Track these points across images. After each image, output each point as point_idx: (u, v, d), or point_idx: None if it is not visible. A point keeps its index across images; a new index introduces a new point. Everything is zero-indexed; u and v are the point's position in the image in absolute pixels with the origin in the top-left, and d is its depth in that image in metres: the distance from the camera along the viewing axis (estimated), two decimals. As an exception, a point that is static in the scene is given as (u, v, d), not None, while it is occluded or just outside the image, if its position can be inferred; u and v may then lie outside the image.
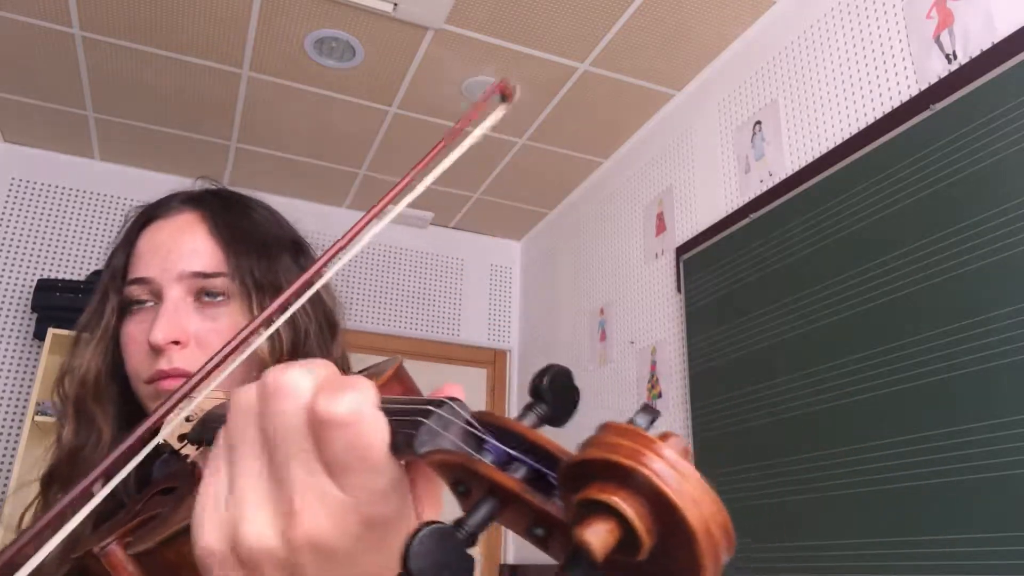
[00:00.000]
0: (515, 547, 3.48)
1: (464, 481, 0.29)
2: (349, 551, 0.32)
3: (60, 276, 3.15)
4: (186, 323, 0.70)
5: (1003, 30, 1.62)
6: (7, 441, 2.92)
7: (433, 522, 0.26)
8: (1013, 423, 1.42)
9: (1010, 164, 1.51)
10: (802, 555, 1.84)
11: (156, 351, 0.69)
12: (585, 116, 2.96)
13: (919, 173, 1.72)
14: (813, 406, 1.89)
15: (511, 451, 0.29)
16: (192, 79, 2.79)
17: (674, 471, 0.22)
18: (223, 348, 0.41)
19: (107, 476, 0.37)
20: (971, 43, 1.70)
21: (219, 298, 0.72)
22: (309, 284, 0.43)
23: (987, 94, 1.60)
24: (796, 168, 2.16)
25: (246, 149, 3.28)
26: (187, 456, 0.56)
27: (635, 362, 2.85)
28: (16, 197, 3.22)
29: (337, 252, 0.43)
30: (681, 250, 2.61)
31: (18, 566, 0.34)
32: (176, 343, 0.69)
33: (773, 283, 2.10)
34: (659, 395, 2.66)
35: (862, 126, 1.96)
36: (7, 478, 2.76)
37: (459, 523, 0.27)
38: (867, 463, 1.71)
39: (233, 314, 0.72)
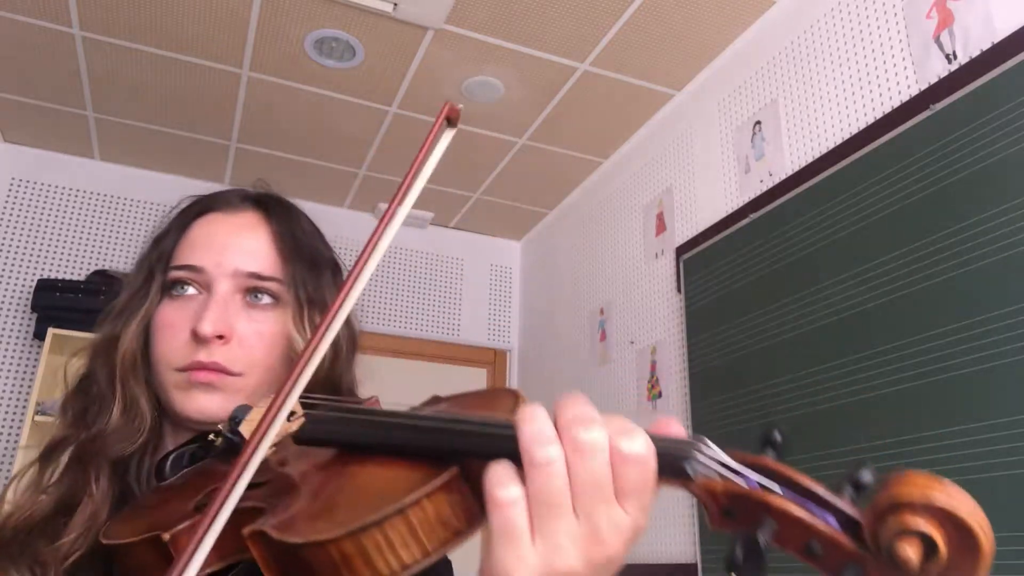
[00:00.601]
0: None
1: (735, 505, 0.36)
2: (623, 559, 0.40)
3: (60, 276, 3.15)
4: (234, 320, 0.70)
5: (1003, 30, 1.62)
6: (7, 441, 2.92)
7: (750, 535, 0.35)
8: (1013, 423, 1.42)
9: (1010, 164, 1.51)
10: (802, 555, 1.84)
11: (199, 341, 0.68)
12: (585, 116, 2.96)
13: (919, 173, 1.72)
14: (813, 406, 1.89)
15: (767, 481, 0.37)
16: (192, 79, 2.79)
17: (964, 500, 0.32)
18: (298, 362, 0.46)
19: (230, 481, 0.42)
20: (971, 43, 1.70)
21: (267, 301, 0.73)
22: (349, 302, 0.48)
23: (987, 94, 1.60)
24: (796, 168, 2.16)
25: (246, 149, 3.28)
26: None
27: (635, 362, 2.85)
28: (16, 197, 3.22)
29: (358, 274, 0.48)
30: (681, 250, 2.61)
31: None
32: (220, 337, 0.69)
33: (773, 283, 2.10)
34: (659, 395, 2.66)
35: (862, 126, 1.96)
36: (7, 478, 2.75)
37: (749, 541, 0.35)
38: (867, 463, 1.71)
39: (278, 320, 0.72)
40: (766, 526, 0.36)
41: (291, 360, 0.72)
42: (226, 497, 0.41)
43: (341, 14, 2.43)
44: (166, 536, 0.50)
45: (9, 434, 2.94)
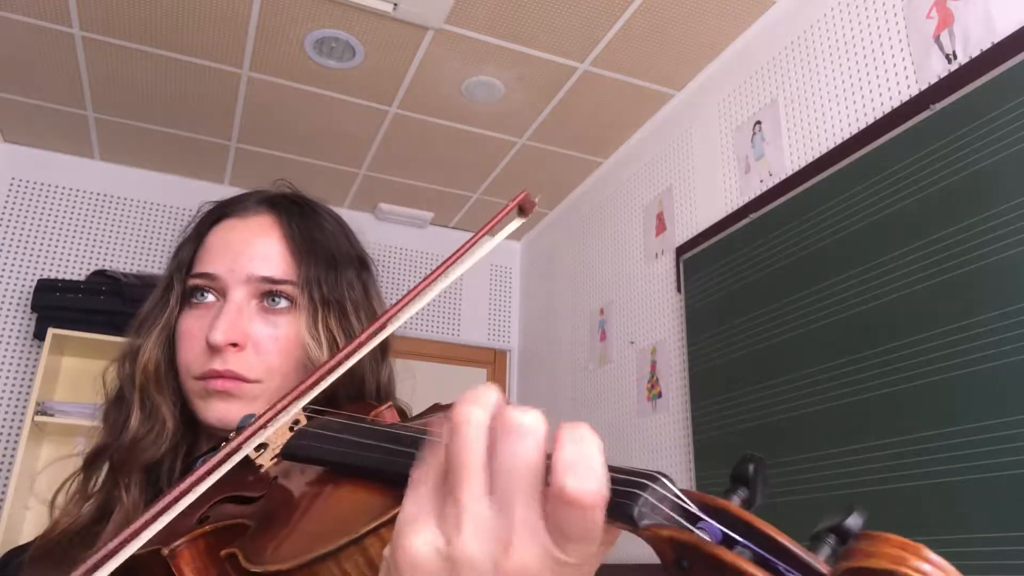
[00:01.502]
0: None
1: (687, 557, 0.31)
2: None
3: (60, 276, 3.15)
4: (247, 326, 0.70)
5: (1003, 30, 1.62)
6: (7, 441, 2.92)
7: None
8: (1013, 423, 1.42)
9: (1010, 164, 1.51)
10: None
11: (213, 350, 0.69)
12: (585, 116, 2.96)
13: (919, 173, 1.72)
14: (813, 406, 1.89)
15: (727, 531, 0.31)
16: (192, 79, 2.79)
17: (942, 572, 0.26)
18: (321, 368, 0.45)
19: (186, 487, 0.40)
20: (971, 43, 1.70)
21: (282, 304, 0.72)
22: (381, 327, 0.48)
23: (987, 94, 1.60)
24: (796, 168, 2.16)
25: (246, 149, 3.28)
26: (261, 466, 0.57)
27: (635, 362, 2.85)
28: (16, 197, 3.22)
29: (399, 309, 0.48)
30: (681, 250, 2.61)
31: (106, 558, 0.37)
32: (234, 345, 0.69)
33: (773, 283, 2.10)
34: (659, 395, 2.66)
35: (862, 126, 1.96)
36: (7, 478, 2.75)
37: None
38: (867, 463, 1.71)
39: (293, 323, 0.72)
40: None
41: (308, 364, 0.72)
42: (163, 509, 0.39)
43: (341, 14, 2.43)
44: (165, 552, 0.50)
45: (9, 434, 2.94)
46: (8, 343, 3.04)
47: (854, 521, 0.30)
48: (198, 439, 0.75)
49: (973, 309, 1.53)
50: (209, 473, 0.41)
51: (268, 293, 0.72)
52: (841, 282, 1.87)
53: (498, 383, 3.79)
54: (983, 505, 1.45)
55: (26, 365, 3.03)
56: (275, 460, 0.57)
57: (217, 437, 0.72)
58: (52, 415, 2.75)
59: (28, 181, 3.25)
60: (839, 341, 1.84)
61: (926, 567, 0.25)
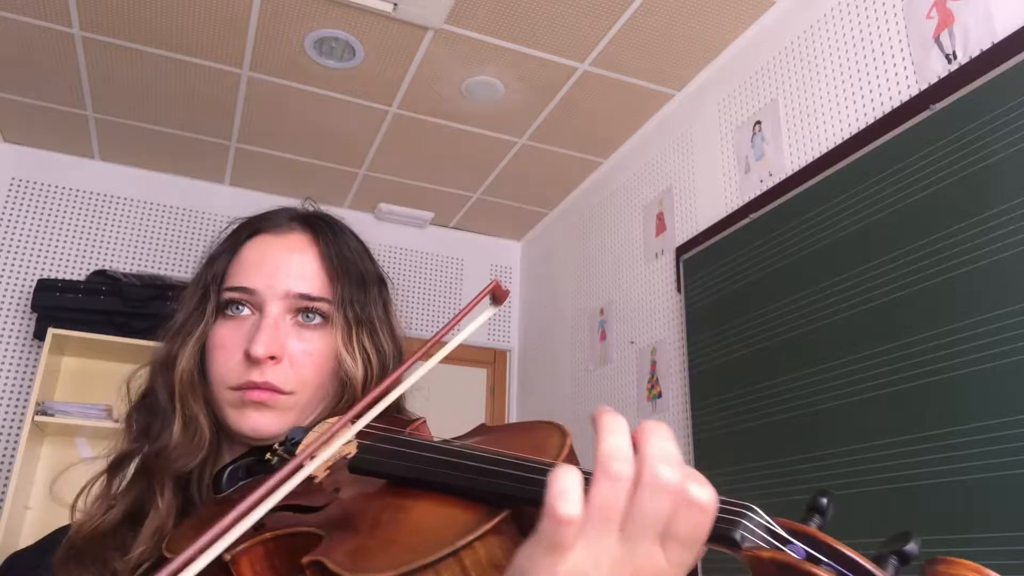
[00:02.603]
0: None
1: (785, 575, 0.36)
2: None
3: (60, 276, 3.15)
4: (285, 340, 0.73)
5: (1003, 30, 1.62)
6: (7, 441, 2.92)
7: None
8: (1014, 423, 1.42)
9: (1010, 164, 1.51)
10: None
11: (252, 362, 0.71)
12: (585, 116, 2.96)
13: (919, 173, 1.72)
14: (813, 406, 1.89)
15: (811, 551, 0.37)
16: (192, 79, 2.79)
17: None
18: (375, 392, 0.51)
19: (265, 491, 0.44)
20: (971, 43, 1.70)
21: (317, 321, 0.75)
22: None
23: (987, 94, 1.60)
24: (796, 168, 2.16)
25: (246, 149, 3.28)
26: (314, 477, 0.59)
27: (635, 362, 2.85)
28: (16, 197, 3.22)
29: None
30: (681, 250, 2.61)
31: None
32: (272, 358, 0.71)
33: (773, 283, 2.10)
34: (659, 395, 2.66)
35: (862, 126, 1.96)
36: (7, 478, 2.75)
37: None
38: (867, 463, 1.71)
39: (327, 339, 0.75)
40: None
41: (340, 378, 0.75)
42: (254, 505, 0.42)
43: (341, 14, 2.43)
44: (227, 556, 0.51)
45: (9, 434, 2.94)
46: (8, 343, 3.04)
47: (912, 547, 0.35)
48: (220, 450, 0.76)
49: (973, 308, 1.53)
50: (283, 481, 0.44)
51: (304, 309, 0.75)
52: (841, 282, 1.87)
53: (498, 383, 3.79)
54: (986, 504, 1.45)
55: (26, 365, 3.03)
56: (328, 472, 0.59)
57: (239, 447, 0.73)
58: (52, 415, 2.75)
59: (28, 181, 3.25)
60: (839, 341, 1.84)
61: None
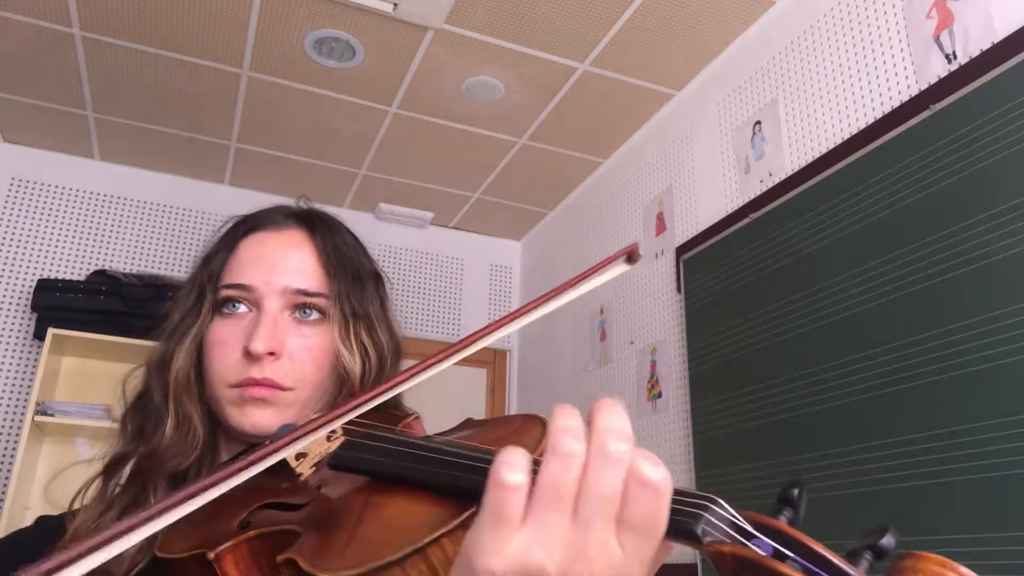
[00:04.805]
0: None
1: (747, 571, 0.34)
2: None
3: (60, 276, 3.15)
4: (283, 336, 0.73)
5: (1003, 30, 1.62)
6: (7, 441, 2.92)
7: None
8: (1014, 423, 1.42)
9: (1010, 164, 1.51)
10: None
11: (251, 358, 0.71)
12: (585, 116, 2.96)
13: (919, 173, 1.72)
14: (813, 406, 1.89)
15: (778, 546, 0.35)
16: (192, 79, 2.79)
17: None
18: (374, 390, 0.48)
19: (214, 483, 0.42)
20: (971, 43, 1.70)
21: (315, 317, 0.75)
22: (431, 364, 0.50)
23: (987, 94, 1.60)
24: (796, 168, 2.16)
25: (246, 149, 3.28)
26: (300, 475, 0.59)
27: (635, 362, 2.85)
28: (16, 197, 3.22)
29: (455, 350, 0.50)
30: (681, 250, 2.61)
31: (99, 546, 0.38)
32: (271, 354, 0.71)
33: (773, 283, 2.10)
34: (659, 395, 2.66)
35: (862, 126, 1.96)
36: (7, 478, 2.75)
37: None
38: (867, 463, 1.71)
39: (325, 334, 0.75)
40: None
41: (339, 373, 0.75)
42: (211, 485, 0.41)
43: (341, 14, 2.43)
44: (211, 555, 0.51)
45: (9, 434, 2.94)
46: (8, 343, 3.04)
47: (889, 540, 0.34)
48: (218, 448, 0.76)
49: (973, 308, 1.53)
50: (242, 470, 0.42)
51: (301, 305, 0.75)
52: (841, 282, 1.87)
53: (498, 383, 3.78)
54: (986, 504, 1.45)
55: (26, 365, 3.03)
56: (314, 469, 0.58)
57: (237, 445, 0.73)
58: (52, 415, 2.75)
59: (28, 181, 3.25)
60: (839, 341, 1.84)
61: None
